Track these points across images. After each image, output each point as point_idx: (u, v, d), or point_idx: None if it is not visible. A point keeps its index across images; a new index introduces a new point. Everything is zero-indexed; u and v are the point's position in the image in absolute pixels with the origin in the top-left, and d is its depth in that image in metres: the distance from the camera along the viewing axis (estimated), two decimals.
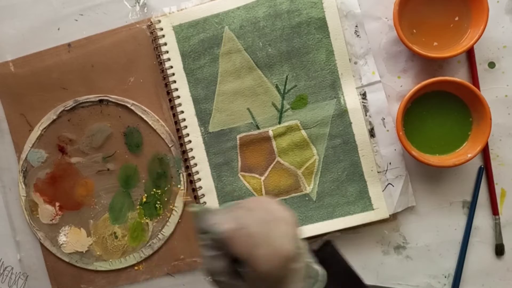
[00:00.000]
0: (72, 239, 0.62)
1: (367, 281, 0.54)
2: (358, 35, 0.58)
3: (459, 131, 0.56)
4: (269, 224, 0.40)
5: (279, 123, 0.59)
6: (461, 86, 0.54)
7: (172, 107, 0.60)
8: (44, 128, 0.61)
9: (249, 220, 0.40)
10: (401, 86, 0.58)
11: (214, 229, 0.40)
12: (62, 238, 0.62)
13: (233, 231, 0.39)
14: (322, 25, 0.58)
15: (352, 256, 0.58)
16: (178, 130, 0.60)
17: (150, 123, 0.60)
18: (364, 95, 0.58)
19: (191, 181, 0.60)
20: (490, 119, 0.53)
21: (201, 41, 0.59)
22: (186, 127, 0.60)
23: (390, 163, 0.58)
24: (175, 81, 0.59)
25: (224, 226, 0.39)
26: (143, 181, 0.61)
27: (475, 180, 0.58)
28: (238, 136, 0.59)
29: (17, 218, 0.63)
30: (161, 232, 0.61)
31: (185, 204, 0.60)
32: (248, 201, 0.43)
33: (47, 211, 0.62)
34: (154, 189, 0.61)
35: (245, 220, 0.40)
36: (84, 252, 0.62)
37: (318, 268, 0.43)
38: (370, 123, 0.58)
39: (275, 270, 0.39)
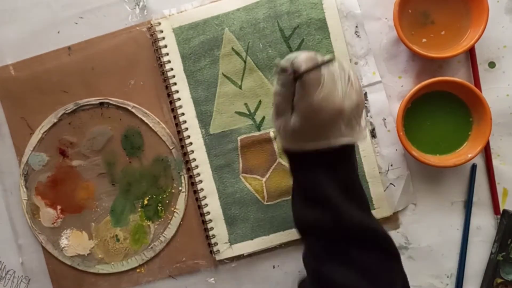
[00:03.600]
0: (73, 242, 0.62)
1: None
2: (358, 36, 0.58)
3: (459, 131, 0.56)
4: (341, 82, 0.42)
5: None
6: (461, 86, 0.54)
7: (173, 109, 0.60)
8: (45, 132, 0.61)
9: (327, 71, 0.41)
10: (402, 86, 0.58)
11: (292, 57, 0.41)
12: (63, 241, 0.62)
13: (307, 62, 0.40)
14: (322, 26, 0.58)
15: None
16: (179, 132, 0.60)
17: (151, 125, 0.60)
18: (365, 96, 0.58)
19: (192, 183, 0.60)
20: (491, 119, 0.53)
21: (201, 43, 0.59)
22: (187, 129, 0.60)
23: (391, 164, 0.58)
24: (175, 83, 0.59)
25: (303, 58, 0.41)
26: (144, 183, 0.61)
27: (469, 178, 0.58)
28: (239, 138, 0.59)
29: (19, 221, 0.63)
30: (163, 234, 0.61)
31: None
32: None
33: (48, 214, 0.62)
34: (156, 192, 0.61)
35: (324, 68, 0.41)
36: (86, 255, 0.62)
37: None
38: (371, 123, 0.58)
39: (324, 114, 0.41)
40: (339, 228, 0.42)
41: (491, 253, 0.58)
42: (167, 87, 0.60)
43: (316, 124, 0.42)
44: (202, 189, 0.60)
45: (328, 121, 0.42)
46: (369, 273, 0.42)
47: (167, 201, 0.61)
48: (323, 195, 0.43)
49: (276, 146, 0.59)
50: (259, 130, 0.59)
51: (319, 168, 0.43)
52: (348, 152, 0.44)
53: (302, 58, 0.41)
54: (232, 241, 0.59)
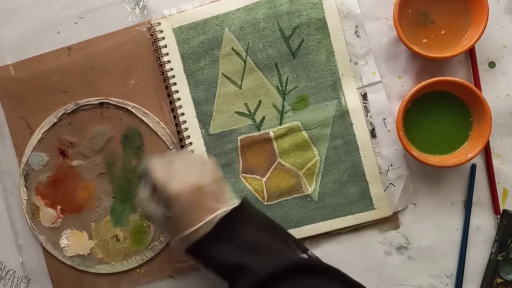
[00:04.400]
0: (73, 242, 0.62)
1: (368, 281, 0.54)
2: (358, 36, 0.58)
3: (459, 131, 0.56)
4: (191, 163, 0.49)
5: (280, 124, 0.59)
6: (461, 86, 0.54)
7: (173, 109, 0.60)
8: (45, 131, 0.61)
9: (179, 161, 0.49)
10: (401, 86, 0.58)
11: (143, 162, 0.49)
12: (63, 241, 0.62)
13: (156, 162, 0.48)
14: (322, 25, 0.58)
15: (354, 257, 0.59)
16: (179, 132, 0.60)
17: (151, 125, 0.60)
18: (364, 96, 0.58)
19: None
20: (491, 119, 0.53)
21: (201, 43, 0.59)
22: (187, 129, 0.60)
23: (391, 164, 0.58)
24: (175, 83, 0.59)
25: (151, 160, 0.49)
26: None
27: (469, 178, 0.58)
28: (239, 138, 0.59)
29: (19, 221, 0.63)
30: (163, 234, 0.61)
31: None
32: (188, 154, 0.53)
33: (48, 214, 0.62)
34: None
35: (172, 157, 0.49)
36: (86, 255, 0.62)
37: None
38: (371, 123, 0.58)
39: (185, 194, 0.45)
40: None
41: (491, 253, 0.58)
42: (167, 87, 0.60)
43: (185, 209, 0.46)
44: None
45: (193, 203, 0.46)
46: None
47: None
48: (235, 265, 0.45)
49: (276, 146, 0.59)
50: (259, 130, 0.59)
51: (219, 244, 0.46)
52: (239, 215, 0.47)
53: (149, 165, 0.48)
54: None
